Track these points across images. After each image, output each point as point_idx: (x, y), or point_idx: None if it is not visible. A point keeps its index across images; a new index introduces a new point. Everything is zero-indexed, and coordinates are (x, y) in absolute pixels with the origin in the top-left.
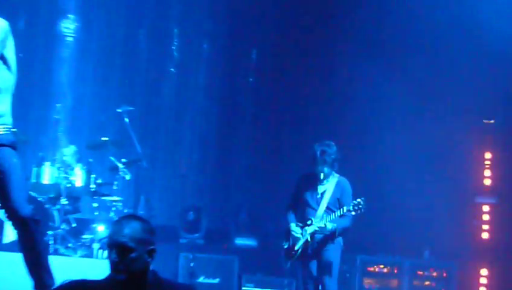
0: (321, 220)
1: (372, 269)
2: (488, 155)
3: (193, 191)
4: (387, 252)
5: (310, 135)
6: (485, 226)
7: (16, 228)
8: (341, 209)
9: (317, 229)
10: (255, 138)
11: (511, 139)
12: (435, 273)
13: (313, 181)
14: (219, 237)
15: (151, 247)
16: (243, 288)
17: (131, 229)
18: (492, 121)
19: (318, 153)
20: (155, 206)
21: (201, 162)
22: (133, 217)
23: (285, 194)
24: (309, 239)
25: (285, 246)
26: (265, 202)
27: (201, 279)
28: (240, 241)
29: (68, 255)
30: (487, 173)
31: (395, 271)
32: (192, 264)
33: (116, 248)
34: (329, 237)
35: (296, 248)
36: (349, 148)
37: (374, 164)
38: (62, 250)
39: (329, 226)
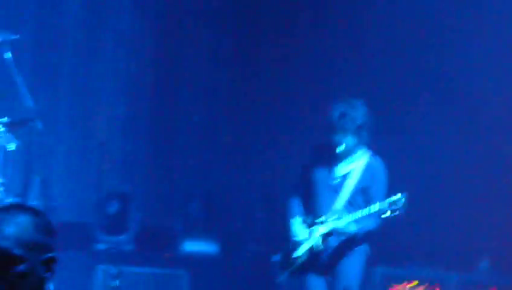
0: (339, 218)
1: (399, 287)
2: None
3: (117, 169)
4: (423, 262)
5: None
6: None
7: None
8: (370, 207)
9: (332, 230)
10: (214, 88)
11: None
12: None
13: (330, 158)
14: (158, 241)
15: (49, 255)
16: None
17: (16, 228)
18: None
19: (336, 115)
20: (56, 192)
21: (131, 123)
22: (20, 208)
23: (263, 176)
24: (320, 244)
25: (284, 251)
26: (230, 187)
27: None
28: (191, 246)
29: None
30: None
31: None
32: (116, 284)
33: None
34: (349, 242)
35: (296, 255)
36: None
37: (408, 144)
38: None
39: (352, 228)
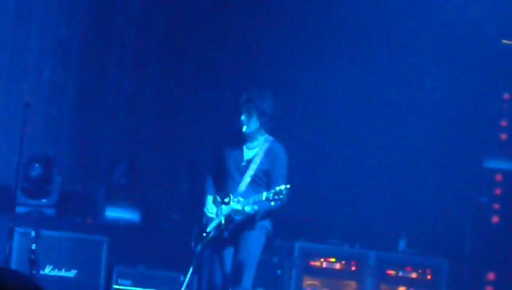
0: (238, 202)
1: (317, 263)
2: (506, 95)
3: (42, 131)
4: (342, 239)
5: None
6: (496, 205)
7: None
8: (259, 195)
9: (232, 210)
10: (143, 56)
11: None
12: (414, 275)
13: (238, 142)
14: (79, 207)
15: None
16: (115, 286)
17: None
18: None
19: (243, 99)
20: None
21: (57, 87)
22: None
23: (188, 147)
24: (223, 221)
25: (199, 225)
26: (154, 156)
27: (47, 270)
28: (113, 213)
29: None
30: (503, 122)
31: (353, 269)
32: (34, 247)
33: None
34: (248, 220)
35: (208, 230)
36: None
37: (326, 120)
38: None
39: (248, 209)
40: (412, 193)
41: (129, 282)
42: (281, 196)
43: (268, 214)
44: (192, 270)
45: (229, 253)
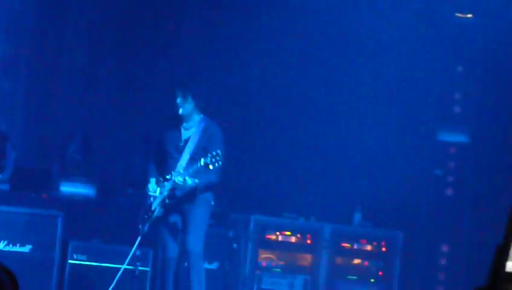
0: (179, 175)
1: (272, 236)
2: (459, 68)
3: None
4: (297, 212)
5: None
6: (450, 178)
7: None
8: (198, 163)
9: (174, 185)
10: (99, 29)
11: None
12: (368, 247)
13: (176, 124)
14: (34, 182)
15: None
16: (70, 261)
17: None
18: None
19: (177, 84)
20: None
21: (10, 60)
22: None
23: (143, 121)
24: (166, 198)
25: (146, 205)
26: (109, 131)
27: (1, 245)
28: (68, 188)
29: None
30: (457, 95)
31: (308, 242)
32: None
33: None
34: (190, 194)
35: (152, 208)
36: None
37: (282, 92)
38: None
39: (189, 181)
40: (367, 166)
41: (84, 257)
42: (217, 158)
43: (208, 187)
44: (135, 250)
45: (176, 230)
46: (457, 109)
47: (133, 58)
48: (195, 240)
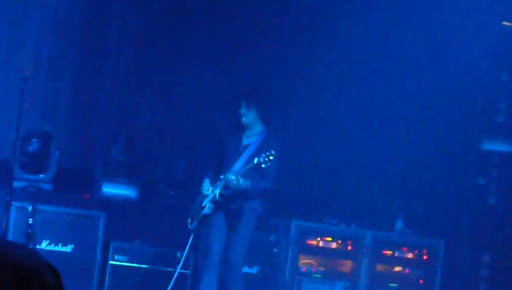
0: (234, 173)
1: (313, 242)
2: (504, 77)
3: (40, 106)
4: (338, 218)
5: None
6: (493, 187)
7: None
8: (251, 161)
9: (225, 185)
10: (143, 32)
11: None
12: (410, 255)
13: (238, 131)
14: (77, 182)
15: None
16: (111, 262)
17: None
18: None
19: (242, 93)
20: None
21: (57, 61)
22: None
23: (186, 124)
24: (217, 195)
25: (195, 203)
26: (153, 133)
27: (44, 245)
28: (110, 189)
29: None
30: (502, 104)
31: (349, 248)
32: (30, 221)
33: None
34: (240, 195)
35: (202, 206)
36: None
37: (325, 100)
38: None
39: (241, 181)
40: (410, 173)
41: (125, 258)
42: (271, 157)
43: (259, 193)
44: (189, 247)
45: (222, 231)
46: (501, 118)
47: (176, 60)
48: (237, 251)
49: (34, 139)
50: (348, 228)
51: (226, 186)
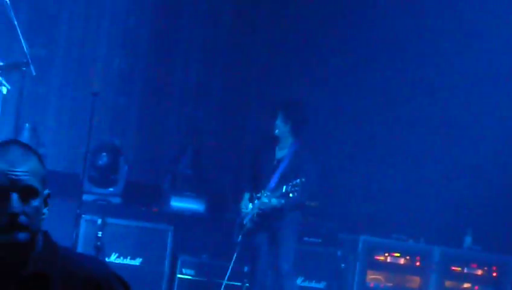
0: (266, 196)
1: (381, 257)
2: None
3: (109, 121)
4: (407, 233)
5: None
6: None
7: None
8: (281, 189)
9: (261, 204)
10: (211, 47)
11: None
12: (479, 271)
13: (272, 143)
14: (146, 195)
15: (47, 191)
16: (179, 276)
17: (32, 163)
18: None
19: (281, 104)
20: (46, 140)
21: (125, 76)
22: (18, 142)
23: (253, 138)
24: (255, 215)
25: (239, 219)
26: (223, 144)
27: (113, 258)
28: (178, 202)
29: None
30: None
31: (417, 264)
32: (100, 234)
33: (17, 190)
34: (277, 212)
35: (244, 222)
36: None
37: (389, 115)
38: None
39: (274, 202)
40: (478, 189)
41: (193, 272)
42: (296, 188)
43: (295, 206)
44: (235, 259)
45: (266, 246)
46: None
47: (243, 74)
48: (286, 261)
49: (104, 153)
50: (417, 244)
51: (261, 206)
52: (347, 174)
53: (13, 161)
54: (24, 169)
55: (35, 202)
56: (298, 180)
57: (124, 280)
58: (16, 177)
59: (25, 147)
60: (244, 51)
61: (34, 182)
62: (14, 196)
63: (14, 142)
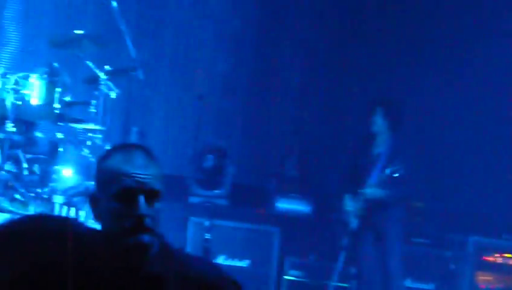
0: (371, 186)
1: (491, 258)
2: None
3: (215, 123)
4: None
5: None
6: None
7: None
8: (385, 171)
9: (366, 198)
10: (315, 50)
11: None
12: None
13: (369, 139)
14: (252, 197)
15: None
16: (286, 277)
17: (154, 166)
18: None
19: (379, 101)
20: (153, 143)
21: (231, 79)
22: (141, 147)
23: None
24: (360, 210)
25: (343, 219)
26: (328, 145)
27: (221, 259)
28: (285, 204)
29: (15, 212)
30: None
31: None
32: (208, 236)
33: (143, 193)
34: (382, 207)
35: (349, 222)
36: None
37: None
38: (5, 204)
39: (379, 193)
40: None
41: (300, 273)
42: (399, 167)
43: (399, 199)
44: (342, 260)
45: (372, 245)
46: None
47: (345, 73)
48: (393, 262)
49: (210, 156)
50: None
51: (367, 200)
52: (454, 173)
53: (139, 164)
54: (149, 172)
55: (158, 205)
56: (399, 166)
57: (238, 283)
58: (142, 180)
59: (148, 151)
60: (347, 52)
61: (158, 185)
62: (142, 199)
63: (137, 146)
